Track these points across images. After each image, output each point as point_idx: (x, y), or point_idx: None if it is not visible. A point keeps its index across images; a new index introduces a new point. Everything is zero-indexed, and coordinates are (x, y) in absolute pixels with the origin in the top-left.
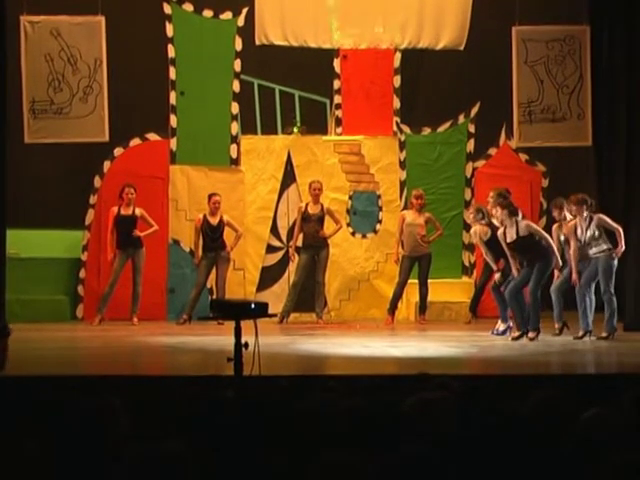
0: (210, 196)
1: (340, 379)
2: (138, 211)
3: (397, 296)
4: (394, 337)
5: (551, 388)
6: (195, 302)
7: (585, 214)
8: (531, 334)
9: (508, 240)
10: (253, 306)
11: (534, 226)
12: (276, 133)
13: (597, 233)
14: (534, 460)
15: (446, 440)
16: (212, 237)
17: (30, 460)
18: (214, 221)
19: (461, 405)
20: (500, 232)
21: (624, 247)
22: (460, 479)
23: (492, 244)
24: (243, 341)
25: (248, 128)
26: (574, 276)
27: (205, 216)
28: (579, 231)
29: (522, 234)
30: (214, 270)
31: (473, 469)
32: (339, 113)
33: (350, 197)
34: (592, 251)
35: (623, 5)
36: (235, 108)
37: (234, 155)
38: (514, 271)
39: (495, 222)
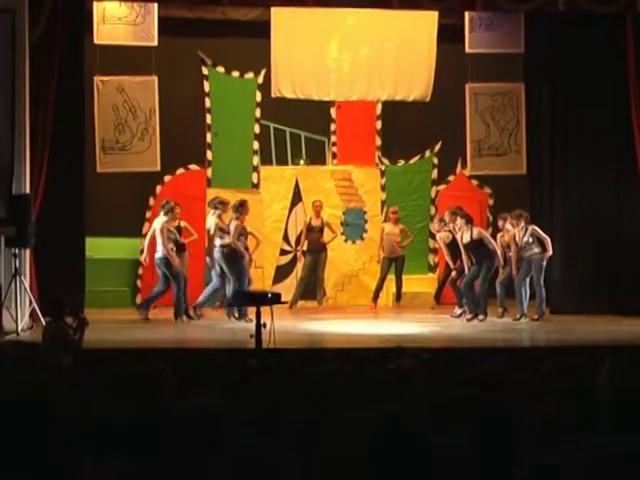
0: None
1: (335, 351)
2: (182, 223)
3: (379, 288)
4: (376, 319)
5: (497, 358)
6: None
7: (522, 225)
8: (481, 317)
9: (464, 241)
10: (270, 296)
11: (484, 232)
12: (287, 164)
13: (531, 240)
14: (484, 414)
15: (417, 399)
16: None
17: (102, 418)
18: None
19: (428, 371)
20: (458, 236)
21: (551, 252)
22: (427, 430)
23: (452, 247)
24: (262, 322)
25: (266, 160)
26: (514, 272)
27: None
28: (517, 238)
29: (474, 238)
30: None
31: (438, 422)
32: (335, 149)
33: (343, 213)
34: (527, 254)
35: (549, 68)
36: (256, 145)
37: (255, 181)
38: (466, 267)
39: (453, 230)
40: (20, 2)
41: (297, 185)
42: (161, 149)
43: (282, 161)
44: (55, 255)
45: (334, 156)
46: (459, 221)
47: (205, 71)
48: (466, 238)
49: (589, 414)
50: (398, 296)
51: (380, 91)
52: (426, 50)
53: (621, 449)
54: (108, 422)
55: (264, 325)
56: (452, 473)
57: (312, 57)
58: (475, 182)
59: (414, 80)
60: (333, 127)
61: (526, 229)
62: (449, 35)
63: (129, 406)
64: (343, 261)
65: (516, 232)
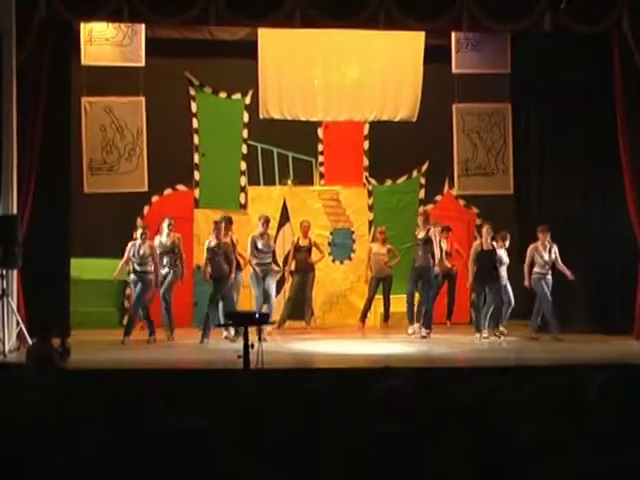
0: None
1: (324, 371)
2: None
3: (367, 308)
4: (364, 339)
5: (485, 377)
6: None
7: (548, 239)
8: (485, 334)
9: (484, 248)
10: (257, 316)
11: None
12: (274, 184)
13: (554, 257)
14: (472, 432)
15: (404, 418)
16: None
17: (89, 437)
18: None
19: (416, 390)
20: (477, 243)
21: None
22: (415, 448)
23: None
24: (250, 342)
25: (253, 181)
26: (526, 283)
27: None
28: (543, 252)
29: (485, 248)
30: None
31: (426, 441)
32: (322, 169)
33: (331, 233)
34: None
35: (535, 89)
36: (243, 166)
37: (243, 201)
38: (470, 275)
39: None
40: (7, 23)
41: (285, 205)
42: (148, 169)
43: (270, 181)
44: (41, 276)
45: (322, 176)
46: (485, 232)
47: (192, 92)
48: (485, 245)
49: (578, 432)
50: (386, 316)
51: (367, 111)
52: (413, 70)
53: (611, 467)
54: (94, 441)
55: (252, 346)
56: None
57: (299, 78)
58: (462, 202)
59: (401, 100)
60: (320, 147)
61: (550, 245)
62: (436, 55)
63: (115, 426)
64: (331, 281)
65: (538, 245)
